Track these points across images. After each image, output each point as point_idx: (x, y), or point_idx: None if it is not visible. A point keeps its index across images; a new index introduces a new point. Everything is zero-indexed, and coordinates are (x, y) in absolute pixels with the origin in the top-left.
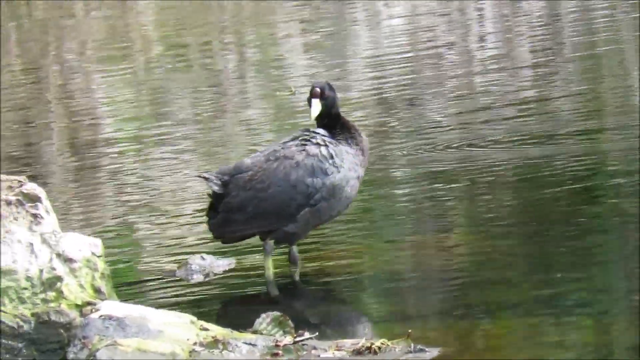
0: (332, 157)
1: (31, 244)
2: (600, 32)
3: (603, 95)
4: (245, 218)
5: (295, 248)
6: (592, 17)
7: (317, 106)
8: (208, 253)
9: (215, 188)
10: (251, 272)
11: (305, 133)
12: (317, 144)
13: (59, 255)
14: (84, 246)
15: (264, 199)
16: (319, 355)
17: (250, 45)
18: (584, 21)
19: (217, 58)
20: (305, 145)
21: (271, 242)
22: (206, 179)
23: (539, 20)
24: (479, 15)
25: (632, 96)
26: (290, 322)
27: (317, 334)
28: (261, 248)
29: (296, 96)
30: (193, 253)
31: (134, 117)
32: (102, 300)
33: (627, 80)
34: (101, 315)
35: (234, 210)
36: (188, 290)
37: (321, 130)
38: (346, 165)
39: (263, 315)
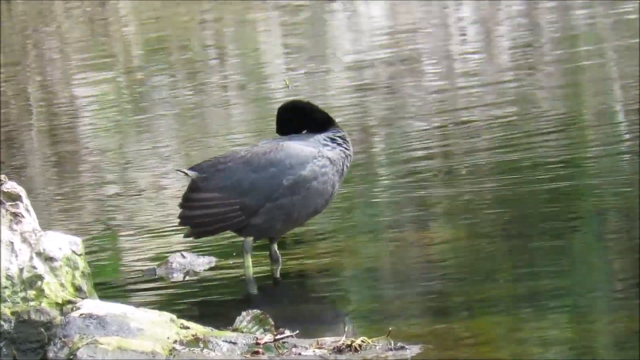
0: (299, 156)
1: (11, 243)
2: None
3: (583, 95)
4: (207, 196)
5: (275, 246)
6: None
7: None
8: (188, 251)
9: (193, 174)
10: (231, 271)
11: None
12: (295, 140)
13: (39, 253)
14: (64, 244)
15: (222, 170)
16: (299, 353)
17: (231, 43)
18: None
19: (197, 53)
20: (282, 142)
21: (250, 240)
22: (185, 173)
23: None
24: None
25: (611, 99)
26: (270, 320)
27: (297, 332)
28: (241, 246)
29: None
30: (173, 251)
31: (114, 113)
32: (83, 298)
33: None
34: (82, 314)
35: (200, 187)
36: (168, 289)
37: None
38: (317, 163)
39: (243, 313)
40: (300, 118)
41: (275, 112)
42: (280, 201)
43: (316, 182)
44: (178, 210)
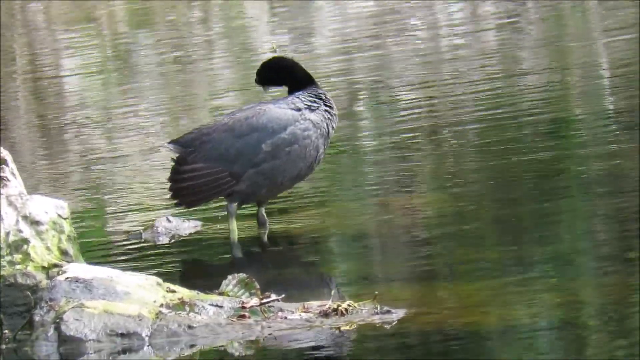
0: (281, 119)
1: None
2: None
3: (568, 56)
4: (196, 167)
5: (263, 210)
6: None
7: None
8: (174, 215)
9: (179, 149)
10: (217, 234)
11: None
12: (277, 105)
13: (25, 217)
14: (50, 208)
15: (207, 141)
16: (285, 317)
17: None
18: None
19: (182, 21)
20: (265, 105)
21: (234, 205)
22: (170, 149)
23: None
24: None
25: (596, 58)
26: (256, 284)
27: (283, 295)
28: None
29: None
30: (159, 216)
31: (100, 81)
32: (69, 262)
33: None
34: (68, 278)
35: (187, 161)
36: (154, 253)
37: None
38: (299, 126)
39: (229, 277)
40: (282, 75)
41: (259, 66)
42: (263, 166)
43: (297, 146)
44: (164, 175)
